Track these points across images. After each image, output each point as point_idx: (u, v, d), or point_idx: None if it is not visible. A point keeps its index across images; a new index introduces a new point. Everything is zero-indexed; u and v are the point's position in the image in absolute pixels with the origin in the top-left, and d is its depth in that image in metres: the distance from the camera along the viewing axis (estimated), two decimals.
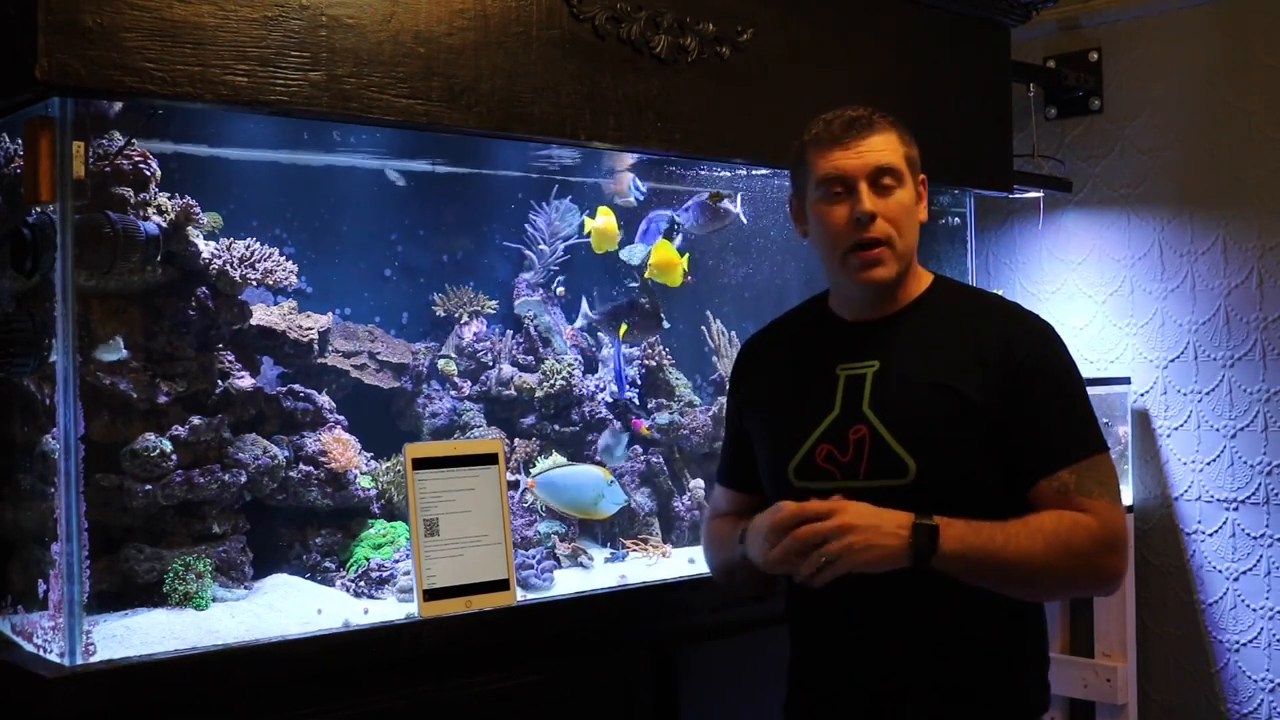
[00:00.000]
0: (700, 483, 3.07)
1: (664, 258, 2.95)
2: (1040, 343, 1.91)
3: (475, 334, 3.00)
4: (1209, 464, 3.72)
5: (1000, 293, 3.69)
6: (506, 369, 2.98)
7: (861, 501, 1.79)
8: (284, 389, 2.54)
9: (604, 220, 2.97)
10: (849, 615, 1.93)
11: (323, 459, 2.47)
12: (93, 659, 1.87)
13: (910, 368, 1.93)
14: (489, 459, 2.30)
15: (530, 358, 3.03)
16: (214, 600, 2.21)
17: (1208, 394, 3.71)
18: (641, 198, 3.03)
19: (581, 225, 3.05)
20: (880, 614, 1.90)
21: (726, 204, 2.99)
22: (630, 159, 2.90)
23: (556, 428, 2.95)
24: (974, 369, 1.88)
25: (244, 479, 2.31)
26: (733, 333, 3.32)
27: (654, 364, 3.11)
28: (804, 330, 2.10)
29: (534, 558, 2.50)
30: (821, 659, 2.00)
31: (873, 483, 1.89)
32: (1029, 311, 2.01)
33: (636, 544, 2.85)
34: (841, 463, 1.92)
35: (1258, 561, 3.63)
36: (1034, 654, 1.99)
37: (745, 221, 3.07)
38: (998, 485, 1.88)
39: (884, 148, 1.93)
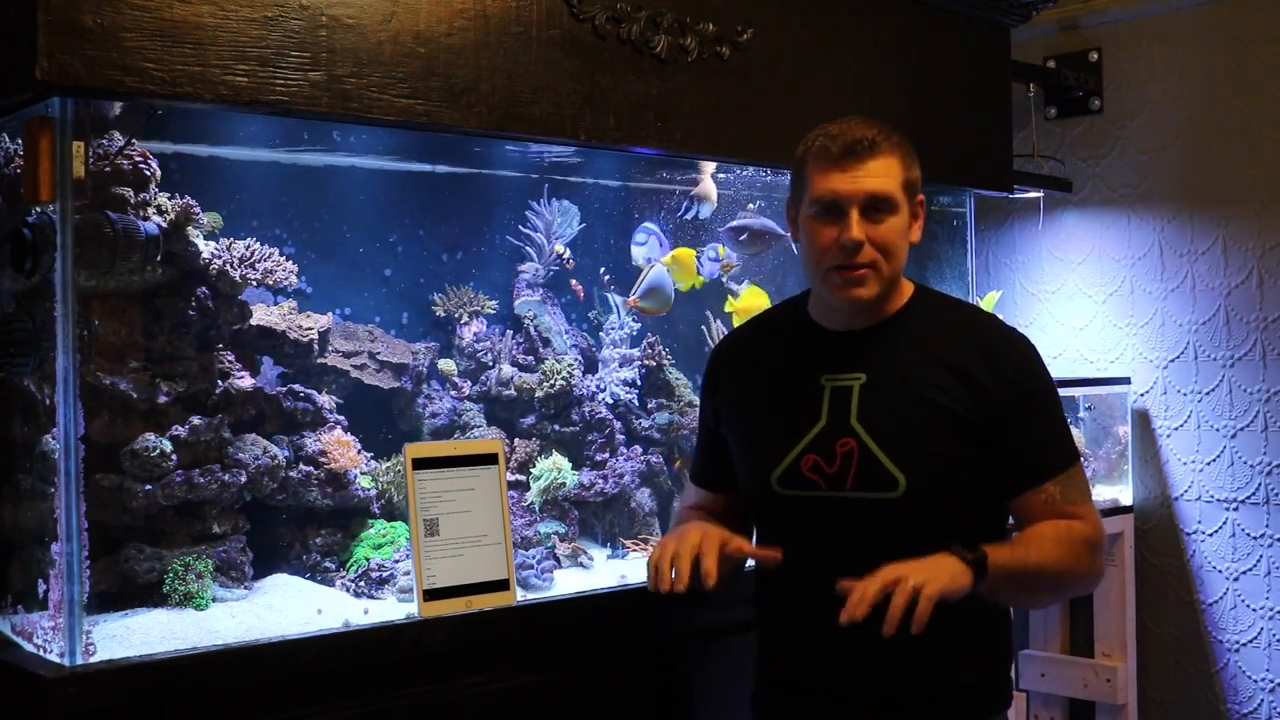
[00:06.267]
0: None
1: (679, 257, 3.01)
2: (1023, 360, 1.96)
3: (475, 334, 3.00)
4: (1209, 464, 3.72)
5: (1000, 293, 3.72)
6: (506, 369, 2.97)
7: (900, 562, 1.75)
8: (284, 389, 2.54)
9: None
10: (818, 617, 1.94)
11: (323, 459, 2.47)
12: (93, 659, 1.86)
13: (898, 382, 1.94)
14: (489, 459, 2.30)
15: (530, 358, 3.02)
16: (214, 600, 2.20)
17: (1208, 394, 3.71)
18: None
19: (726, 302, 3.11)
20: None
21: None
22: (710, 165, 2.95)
23: (556, 428, 2.95)
24: (961, 385, 1.91)
25: (244, 479, 2.31)
26: None
27: (654, 364, 3.11)
28: (783, 336, 2.10)
29: (534, 558, 2.50)
30: (790, 657, 2.03)
31: (859, 494, 1.91)
32: (1010, 327, 2.06)
33: (636, 544, 2.85)
34: (828, 473, 1.94)
35: (1258, 561, 3.63)
36: (997, 652, 2.03)
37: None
38: (979, 498, 1.93)
39: (882, 174, 1.91)
